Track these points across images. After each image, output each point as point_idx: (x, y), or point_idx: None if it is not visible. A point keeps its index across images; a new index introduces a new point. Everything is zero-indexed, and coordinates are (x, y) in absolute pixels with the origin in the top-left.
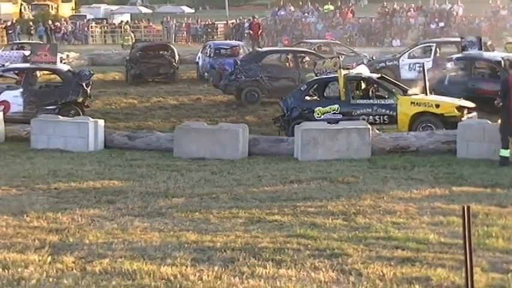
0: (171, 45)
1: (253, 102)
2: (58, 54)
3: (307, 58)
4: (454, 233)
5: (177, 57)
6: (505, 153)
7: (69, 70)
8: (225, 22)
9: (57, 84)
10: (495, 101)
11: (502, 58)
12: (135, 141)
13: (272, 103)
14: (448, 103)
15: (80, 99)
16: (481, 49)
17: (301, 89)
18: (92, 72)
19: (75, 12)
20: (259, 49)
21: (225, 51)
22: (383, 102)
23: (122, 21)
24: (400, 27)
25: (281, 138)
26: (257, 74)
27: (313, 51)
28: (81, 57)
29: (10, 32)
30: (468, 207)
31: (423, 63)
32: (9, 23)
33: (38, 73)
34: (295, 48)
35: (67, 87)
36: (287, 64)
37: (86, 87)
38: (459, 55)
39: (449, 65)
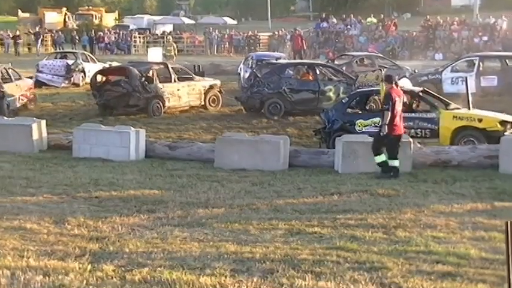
0: (132, 69)
1: (275, 114)
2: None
3: (324, 71)
4: (496, 248)
5: (137, 84)
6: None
7: None
8: (272, 33)
9: None
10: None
11: None
12: (176, 151)
13: (314, 114)
14: (491, 117)
15: None
16: None
17: (343, 101)
18: None
19: (119, 22)
20: (280, 62)
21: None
22: (425, 115)
23: (164, 32)
24: (443, 40)
25: (322, 151)
26: (280, 86)
27: (331, 65)
28: None
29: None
30: (511, 223)
31: (466, 77)
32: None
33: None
34: (313, 61)
35: None
36: (307, 77)
37: None
38: None
39: None
